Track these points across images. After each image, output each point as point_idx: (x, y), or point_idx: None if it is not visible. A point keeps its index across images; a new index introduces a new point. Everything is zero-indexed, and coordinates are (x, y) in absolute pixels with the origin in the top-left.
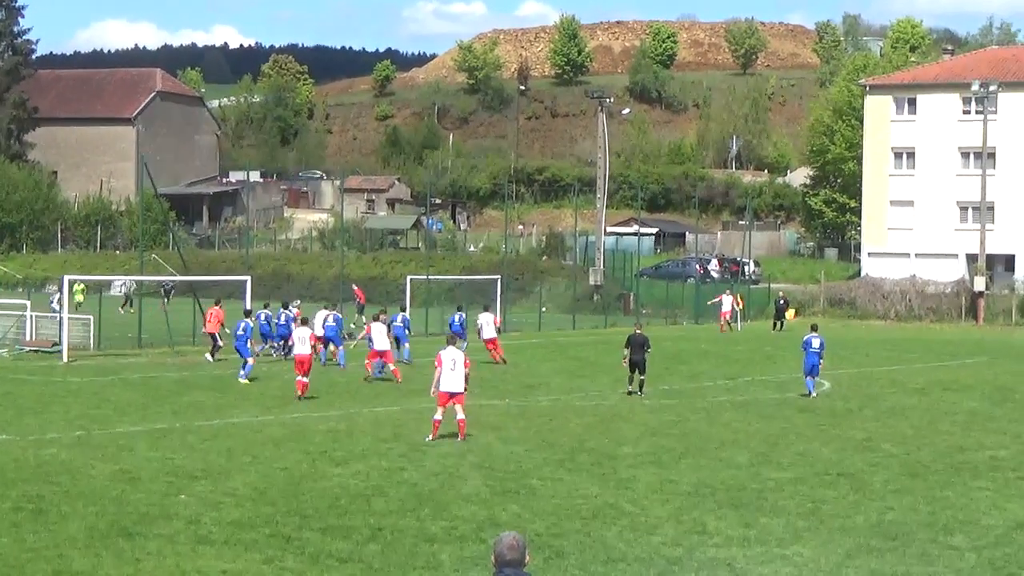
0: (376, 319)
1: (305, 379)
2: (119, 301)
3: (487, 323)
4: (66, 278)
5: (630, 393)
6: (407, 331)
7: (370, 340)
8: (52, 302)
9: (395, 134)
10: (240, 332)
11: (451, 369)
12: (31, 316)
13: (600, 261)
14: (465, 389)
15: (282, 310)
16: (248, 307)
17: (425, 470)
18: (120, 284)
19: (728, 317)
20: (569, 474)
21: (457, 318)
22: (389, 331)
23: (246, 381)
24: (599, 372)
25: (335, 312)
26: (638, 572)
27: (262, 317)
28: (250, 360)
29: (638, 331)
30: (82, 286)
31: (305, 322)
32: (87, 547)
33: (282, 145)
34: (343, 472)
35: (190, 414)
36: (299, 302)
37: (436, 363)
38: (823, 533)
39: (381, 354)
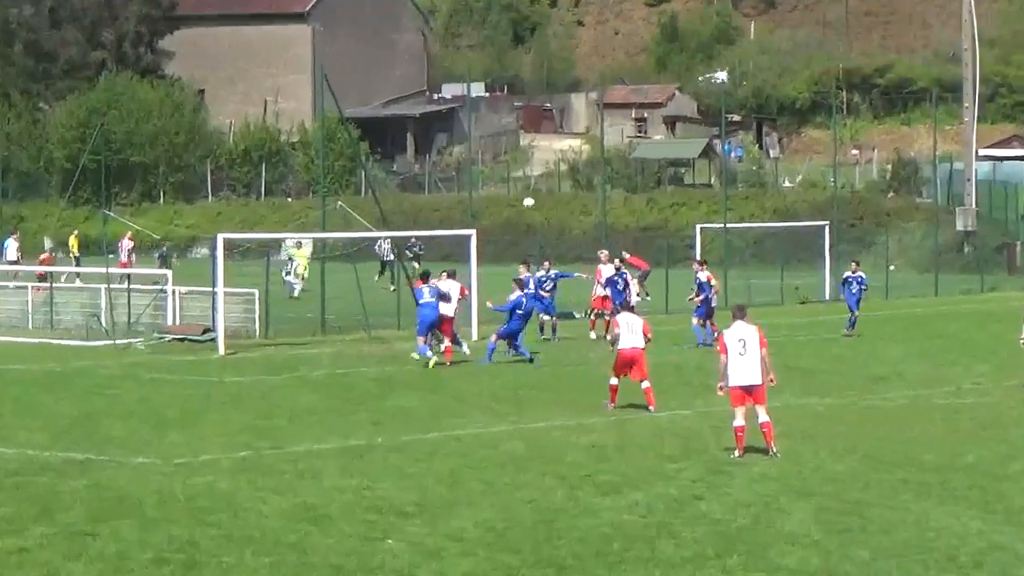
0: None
1: (645, 382)
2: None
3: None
4: (220, 237)
5: None
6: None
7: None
8: (286, 272)
9: (673, 26)
10: (427, 299)
11: (740, 354)
12: (174, 292)
13: (971, 198)
14: (770, 380)
15: (538, 272)
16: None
17: (730, 499)
18: (381, 247)
19: None
20: (938, 503)
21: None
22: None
23: (417, 357)
24: (974, 356)
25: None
26: None
27: (530, 283)
28: (419, 340)
29: None
30: (305, 253)
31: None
32: None
33: (515, 45)
34: (614, 504)
35: (396, 425)
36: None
37: (719, 348)
38: None
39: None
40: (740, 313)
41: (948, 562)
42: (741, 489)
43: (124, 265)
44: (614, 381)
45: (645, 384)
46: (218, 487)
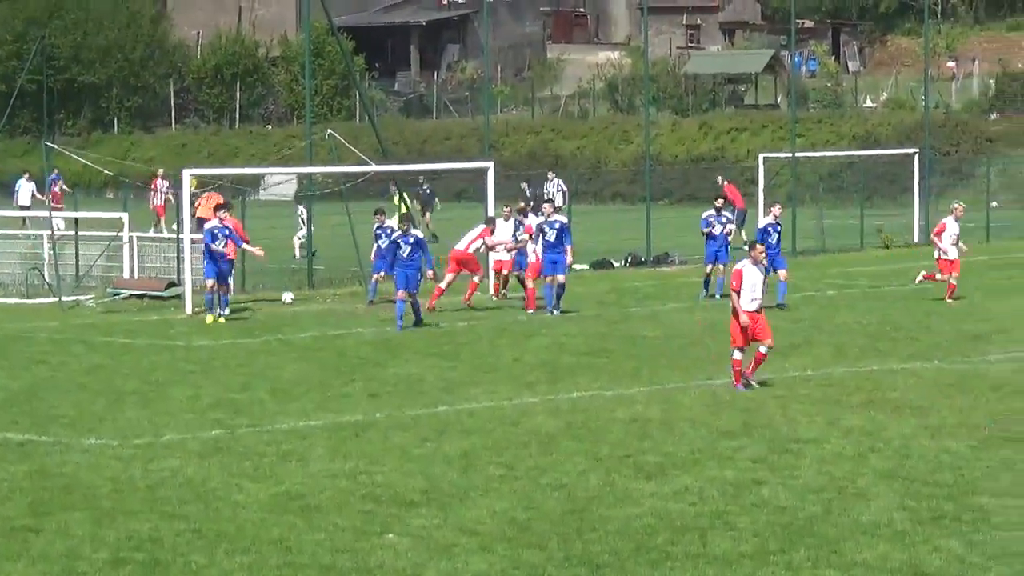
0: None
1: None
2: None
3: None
4: (187, 173)
5: None
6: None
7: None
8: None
9: None
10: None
11: None
12: (131, 239)
13: None
14: None
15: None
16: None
17: (798, 484)
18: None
19: None
20: None
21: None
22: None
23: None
24: None
25: None
26: None
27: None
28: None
29: None
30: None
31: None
32: None
33: None
34: (659, 490)
35: (398, 397)
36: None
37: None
38: None
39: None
40: None
41: None
42: (810, 471)
43: (160, 210)
44: (738, 355)
45: (763, 347)
46: (185, 473)
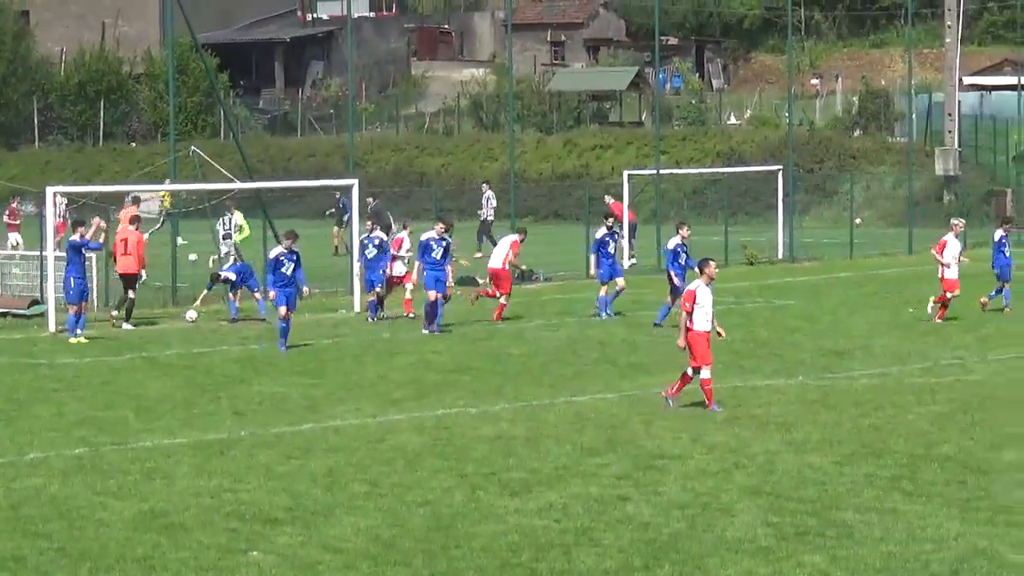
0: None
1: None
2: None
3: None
4: (50, 190)
5: None
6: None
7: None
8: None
9: None
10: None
11: None
12: None
13: (953, 136)
14: None
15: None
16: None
17: (662, 500)
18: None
19: None
20: (909, 501)
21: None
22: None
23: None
24: (955, 326)
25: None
26: None
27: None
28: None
29: None
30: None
31: None
32: None
33: None
34: (523, 506)
35: (263, 415)
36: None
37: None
38: None
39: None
40: None
41: (921, 570)
42: (675, 488)
43: (59, 227)
44: (707, 374)
45: (706, 372)
46: (49, 491)
